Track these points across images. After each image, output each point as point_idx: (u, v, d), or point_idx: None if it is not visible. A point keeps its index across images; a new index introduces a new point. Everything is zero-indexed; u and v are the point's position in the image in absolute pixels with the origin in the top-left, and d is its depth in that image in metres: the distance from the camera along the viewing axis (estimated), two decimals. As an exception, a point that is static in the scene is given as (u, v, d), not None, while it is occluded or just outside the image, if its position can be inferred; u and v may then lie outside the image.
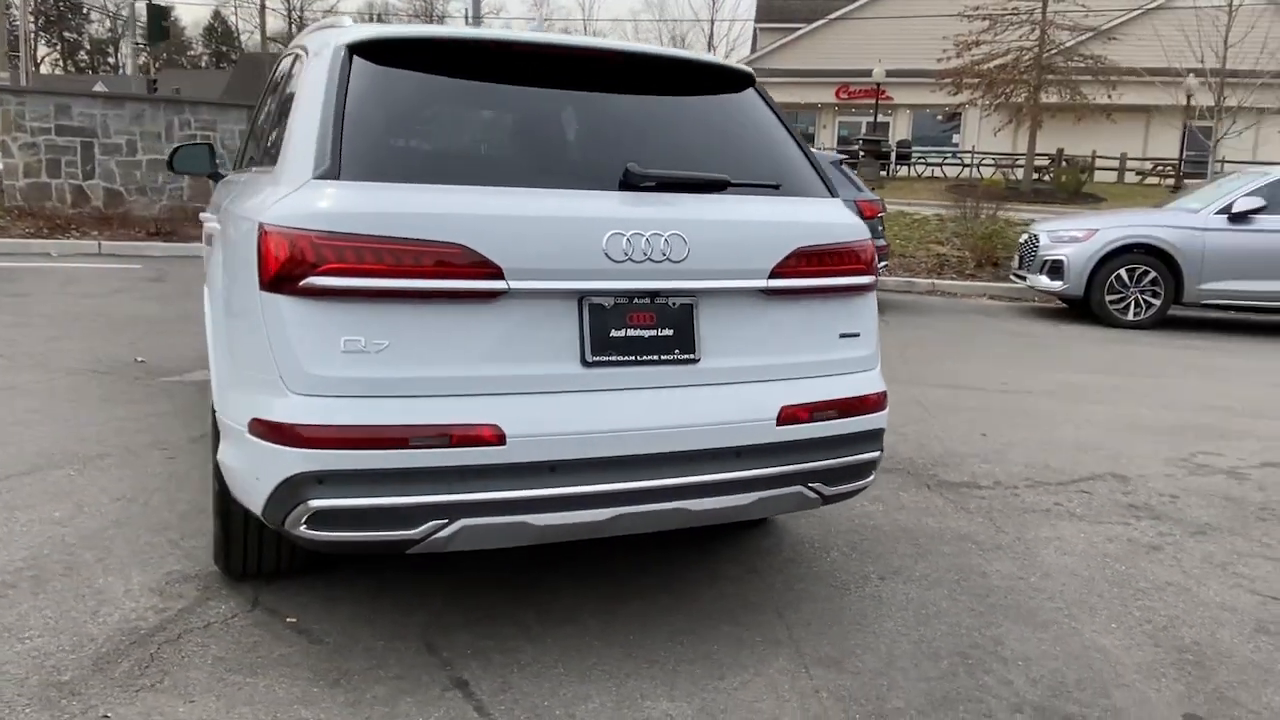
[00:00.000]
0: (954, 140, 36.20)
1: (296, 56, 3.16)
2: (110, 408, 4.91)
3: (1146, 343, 8.92)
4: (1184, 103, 27.20)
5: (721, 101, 2.96)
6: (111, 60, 73.15)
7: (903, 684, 2.61)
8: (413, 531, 2.31)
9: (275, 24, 57.83)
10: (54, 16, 69.71)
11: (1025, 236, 10.90)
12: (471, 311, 2.35)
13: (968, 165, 31.43)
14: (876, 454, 2.88)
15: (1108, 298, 9.76)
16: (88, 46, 74.98)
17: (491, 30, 2.82)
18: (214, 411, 2.71)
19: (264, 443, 2.33)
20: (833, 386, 2.75)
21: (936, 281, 12.39)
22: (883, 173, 28.90)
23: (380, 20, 64.78)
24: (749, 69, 3.04)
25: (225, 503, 2.75)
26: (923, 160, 32.80)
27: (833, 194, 2.92)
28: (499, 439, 2.32)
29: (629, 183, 2.53)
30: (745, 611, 3.00)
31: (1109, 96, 26.47)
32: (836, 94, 36.72)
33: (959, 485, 4.35)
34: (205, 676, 2.47)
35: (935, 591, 3.21)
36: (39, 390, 5.17)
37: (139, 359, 6.09)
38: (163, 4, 18.47)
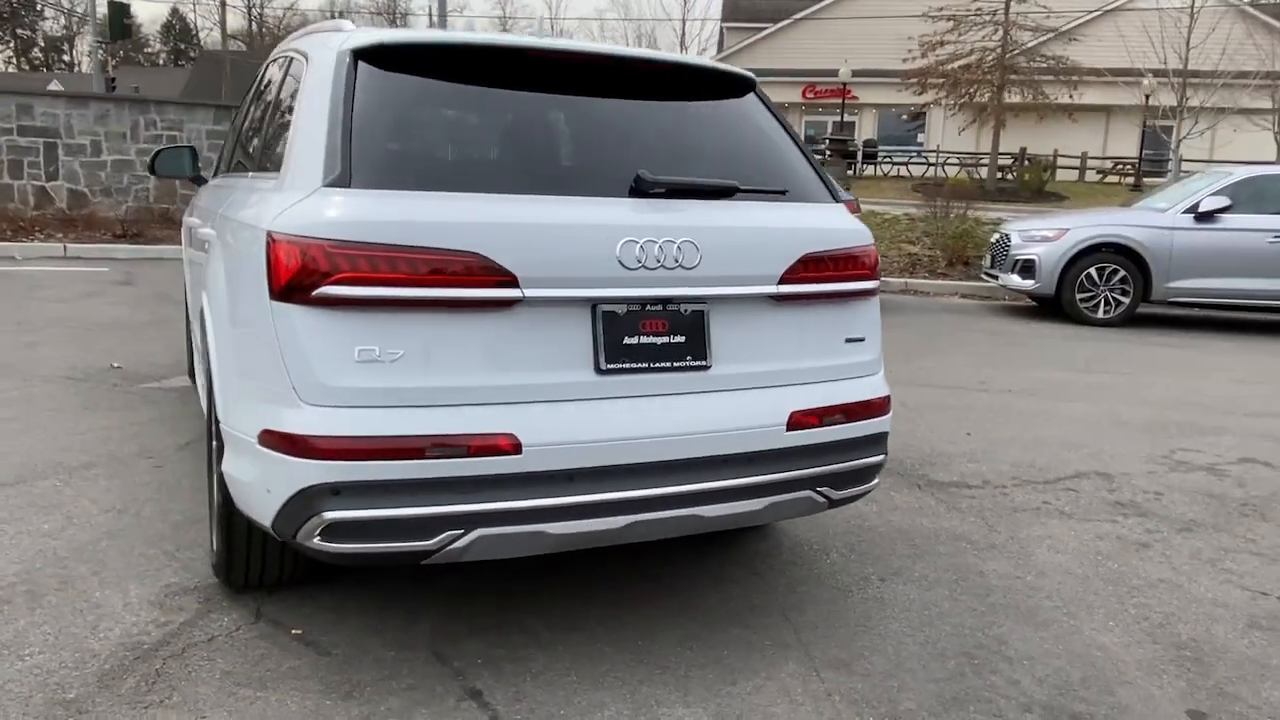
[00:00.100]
0: (919, 140, 36.56)
1: (291, 60, 3.12)
2: (91, 416, 4.82)
3: (1117, 340, 9.07)
4: (1143, 102, 27.70)
5: (725, 106, 2.96)
6: (67, 58, 71.82)
7: (913, 685, 2.64)
8: (429, 542, 2.29)
9: (235, 21, 57.08)
10: (6, 13, 68.28)
11: (997, 236, 11.04)
12: (486, 320, 2.33)
13: (933, 164, 31.76)
14: (881, 457, 2.90)
15: (1078, 296, 9.91)
16: (41, 44, 73.51)
17: (496, 35, 2.80)
18: (217, 422, 2.67)
19: (276, 454, 2.30)
20: (840, 391, 2.77)
21: (909, 281, 12.50)
22: (849, 172, 29.09)
23: (343, 17, 64.13)
24: (750, 74, 3.05)
25: (228, 514, 2.71)
26: (889, 160, 33.11)
27: (836, 199, 2.94)
28: (515, 448, 2.31)
29: (640, 189, 2.53)
30: (751, 615, 3.01)
31: (1070, 96, 26.89)
32: (803, 94, 36.92)
33: (949, 485, 4.40)
34: (214, 691, 2.43)
35: (936, 592, 3.25)
36: (15, 399, 5.07)
37: (115, 365, 5.99)
38: (124, 0, 18.13)
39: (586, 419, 2.41)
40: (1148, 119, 28.49)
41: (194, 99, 18.91)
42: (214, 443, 3.16)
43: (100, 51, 20.32)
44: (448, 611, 2.92)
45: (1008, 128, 27.86)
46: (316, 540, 2.28)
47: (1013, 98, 27.00)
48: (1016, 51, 26.62)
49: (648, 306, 2.49)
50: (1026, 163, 28.92)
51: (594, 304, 2.44)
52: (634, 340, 2.47)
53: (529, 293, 2.34)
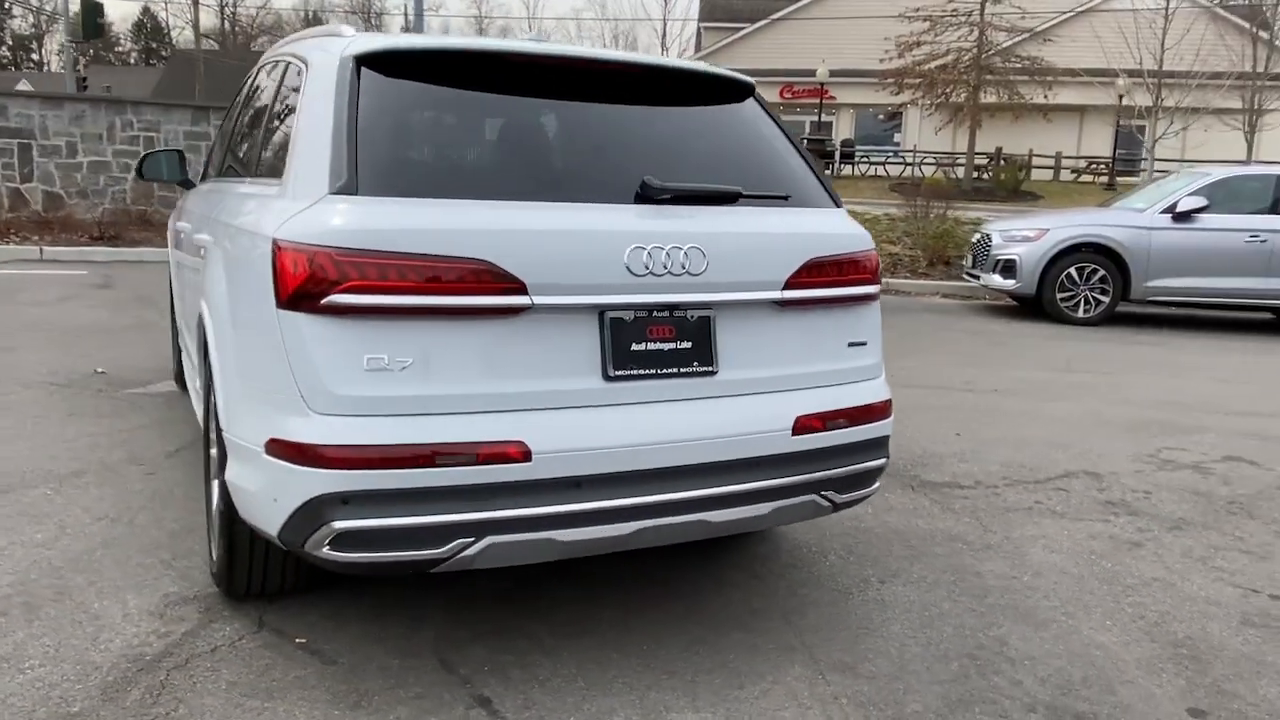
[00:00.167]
0: (895, 140, 36.75)
1: (288, 65, 3.10)
2: (78, 422, 4.76)
3: (1098, 339, 9.17)
4: (1117, 102, 28.01)
5: (725, 111, 2.97)
6: (36, 57, 70.85)
7: (918, 687, 2.65)
8: (439, 550, 2.28)
9: (208, 20, 56.49)
10: (-27, 12, 67.32)
11: (978, 236, 11.13)
12: (494, 327, 2.33)
13: (910, 164, 31.94)
14: (883, 461, 2.92)
15: (1059, 296, 10.01)
16: (9, 43, 72.48)
17: (497, 41, 2.80)
18: (219, 430, 2.65)
19: (284, 463, 2.28)
20: (843, 395, 2.79)
21: (890, 280, 12.57)
22: (827, 171, 29.24)
23: (317, 17, 63.69)
24: (749, 79, 3.06)
25: (230, 523, 2.69)
26: (866, 160, 33.27)
27: (837, 204, 2.96)
28: (525, 456, 2.31)
29: (646, 195, 2.53)
30: (754, 618, 3.02)
31: (1045, 96, 27.15)
32: (780, 94, 37.01)
33: (941, 486, 4.43)
34: (221, 703, 2.41)
35: (935, 593, 3.27)
36: (-1, 405, 5.00)
37: (99, 370, 5.92)
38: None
39: (595, 426, 2.41)
40: (1121, 119, 28.81)
41: (169, 99, 18.68)
42: (210, 450, 3.15)
43: (72, 50, 20.03)
44: (450, 618, 2.91)
45: (983, 128, 28.10)
46: (326, 550, 2.27)
47: (988, 98, 27.23)
48: (992, 52, 26.86)
49: (654, 313, 2.50)
50: (1002, 162, 29.17)
51: (601, 311, 2.44)
52: (641, 347, 2.48)
53: (538, 300, 2.34)
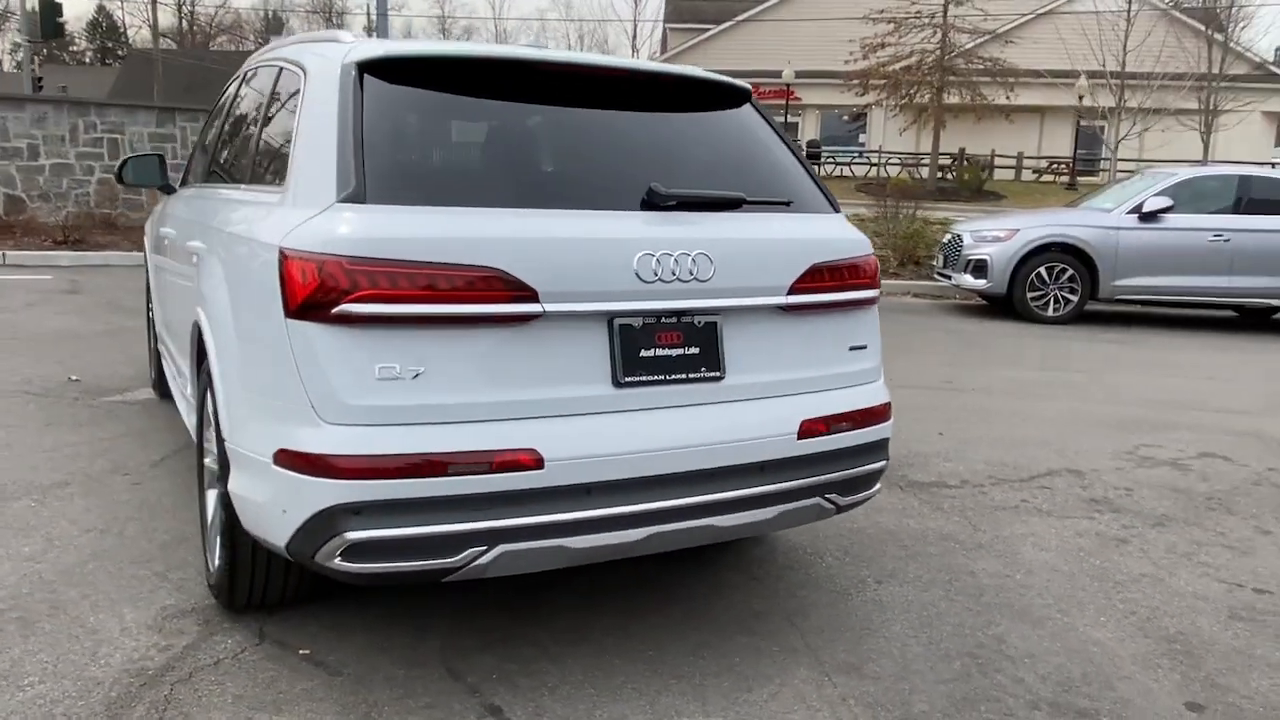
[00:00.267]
0: (860, 140, 37.07)
1: (281, 70, 3.07)
2: (56, 432, 4.68)
3: (1068, 338, 9.31)
4: (1078, 103, 28.47)
5: (724, 117, 2.99)
6: (-13, 56, 69.28)
7: (923, 687, 2.68)
8: (451, 560, 2.28)
9: (165, 19, 55.59)
10: (-79, 9, 65.67)
11: (949, 236, 11.26)
12: (506, 335, 2.32)
13: (875, 164, 32.25)
14: (883, 463, 2.95)
15: (1029, 295, 10.15)
16: (-41, 42, 70.86)
17: (497, 47, 2.79)
18: (221, 441, 2.61)
19: (294, 474, 2.26)
20: (846, 398, 2.81)
21: (862, 280, 12.66)
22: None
23: (277, 17, 62.86)
24: (746, 84, 3.07)
25: (232, 534, 2.66)
26: (832, 160, 33.53)
27: (835, 209, 2.98)
28: (537, 463, 2.30)
29: (652, 202, 2.54)
30: (756, 621, 3.04)
31: (1007, 97, 27.53)
32: (746, 94, 37.13)
33: (929, 485, 4.48)
34: (228, 717, 2.38)
35: (931, 593, 3.31)
36: (-27, 415, 4.90)
37: (73, 378, 5.81)
38: (56, -1, 17.60)
39: (605, 432, 2.42)
40: (1082, 119, 29.29)
41: (132, 100, 18.38)
42: (204, 460, 3.12)
43: (28, 49, 19.64)
44: (454, 626, 2.89)
45: (947, 128, 28.44)
46: (337, 561, 2.25)
47: (952, 99, 27.57)
48: (955, 54, 27.18)
49: (663, 319, 2.50)
50: (965, 162, 29.56)
51: (611, 318, 2.44)
52: (650, 353, 2.48)
53: (549, 308, 2.33)
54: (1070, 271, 10.05)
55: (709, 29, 38.12)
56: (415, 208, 2.33)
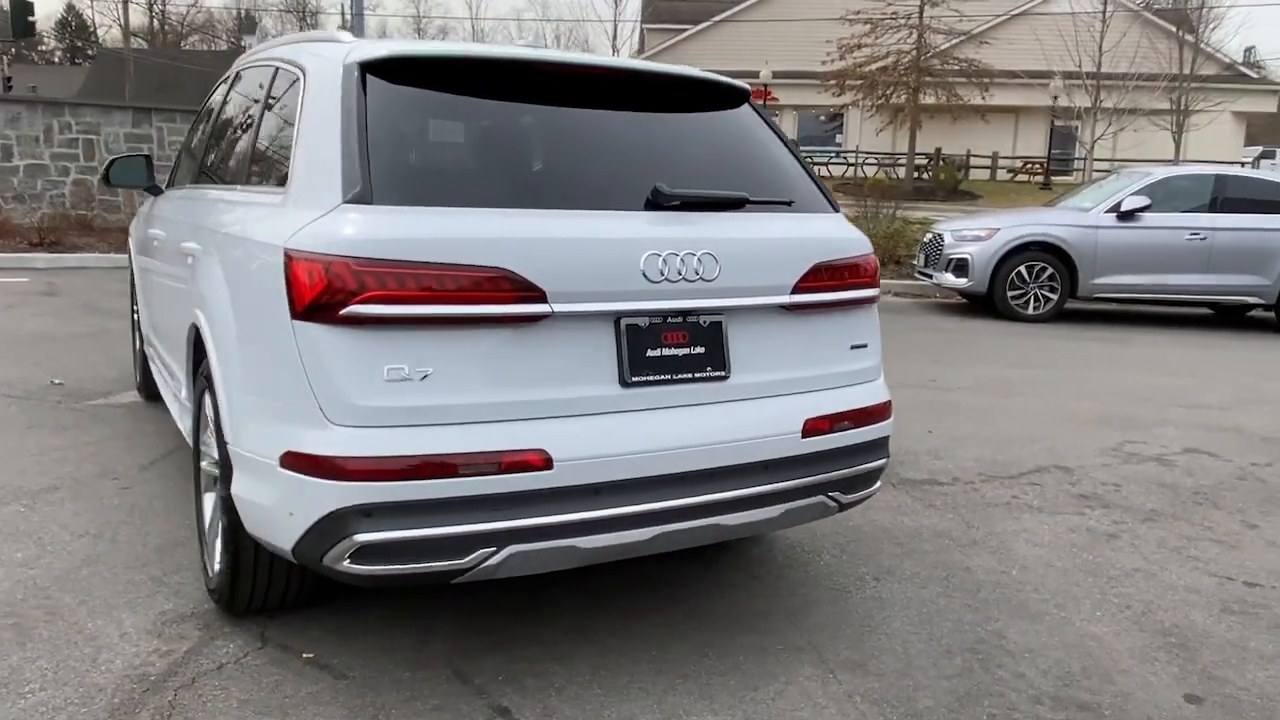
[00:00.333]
0: (838, 140, 37.25)
1: (277, 71, 3.05)
2: (41, 436, 4.62)
3: (1049, 336, 9.40)
4: (1052, 103, 28.76)
5: (724, 117, 3.00)
6: (-47, 55, 68.24)
7: (926, 683, 2.70)
8: (461, 561, 2.27)
9: (136, 18, 54.93)
10: (-114, 7, 64.59)
11: (929, 236, 11.33)
12: (514, 336, 2.32)
13: (852, 165, 32.42)
14: (884, 461, 2.97)
15: (1010, 293, 10.24)
16: (-75, 40, 69.80)
17: (500, 47, 2.78)
18: (224, 444, 2.59)
19: (301, 476, 2.25)
20: (848, 397, 2.83)
21: (843, 280, 12.73)
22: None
23: (250, 16, 62.25)
24: (745, 85, 3.08)
25: (235, 537, 2.64)
26: (809, 159, 33.64)
27: (835, 209, 3.00)
28: (546, 463, 2.30)
29: (656, 202, 2.54)
30: (759, 619, 3.05)
31: (983, 98, 27.77)
32: (723, 94, 37.21)
33: (921, 483, 4.51)
34: (234, 722, 2.37)
35: (929, 589, 3.33)
36: (-45, 419, 4.83)
37: (55, 380, 5.74)
38: (27, -1, 17.35)
39: (613, 432, 2.42)
40: (1056, 119, 29.60)
41: (106, 100, 18.16)
42: (200, 464, 3.09)
43: (-2, 49, 19.35)
44: (458, 627, 2.88)
45: (923, 128, 28.65)
46: (346, 563, 2.24)
47: (927, 99, 27.78)
48: (930, 55, 27.39)
49: (669, 319, 2.51)
50: (941, 162, 29.78)
51: (617, 317, 2.44)
52: (656, 353, 2.49)
53: (557, 308, 2.33)
54: (1050, 270, 10.15)
55: (686, 29, 38.17)
56: (421, 208, 2.32)
